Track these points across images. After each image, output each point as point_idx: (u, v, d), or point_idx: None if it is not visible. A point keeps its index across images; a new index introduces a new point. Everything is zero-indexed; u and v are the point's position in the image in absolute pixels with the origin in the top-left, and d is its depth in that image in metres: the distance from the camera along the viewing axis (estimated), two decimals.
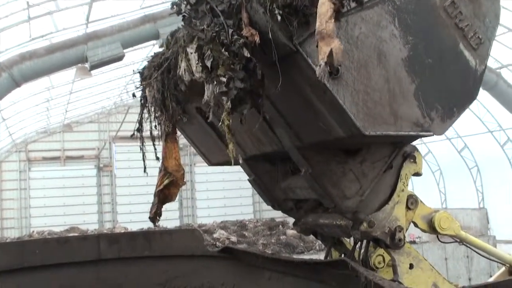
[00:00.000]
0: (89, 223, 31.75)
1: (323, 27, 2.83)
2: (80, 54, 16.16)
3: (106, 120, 36.07)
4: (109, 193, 35.40)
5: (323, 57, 2.82)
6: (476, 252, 4.94)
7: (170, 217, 30.12)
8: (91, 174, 35.23)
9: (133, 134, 4.64)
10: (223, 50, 3.25)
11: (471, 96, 3.70)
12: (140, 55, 23.98)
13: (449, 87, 3.54)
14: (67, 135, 34.93)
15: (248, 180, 4.96)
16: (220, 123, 3.26)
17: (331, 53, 2.79)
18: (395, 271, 4.10)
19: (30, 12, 17.68)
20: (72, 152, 34.68)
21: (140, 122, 4.61)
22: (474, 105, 27.13)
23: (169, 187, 4.53)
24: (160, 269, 5.36)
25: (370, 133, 3.21)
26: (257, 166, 4.80)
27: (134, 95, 4.73)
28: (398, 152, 4.09)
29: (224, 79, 3.21)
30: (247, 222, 28.73)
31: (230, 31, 3.29)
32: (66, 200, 32.90)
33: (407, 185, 4.15)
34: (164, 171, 4.49)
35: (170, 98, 4.12)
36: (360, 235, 4.07)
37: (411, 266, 4.22)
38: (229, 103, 3.23)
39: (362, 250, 4.46)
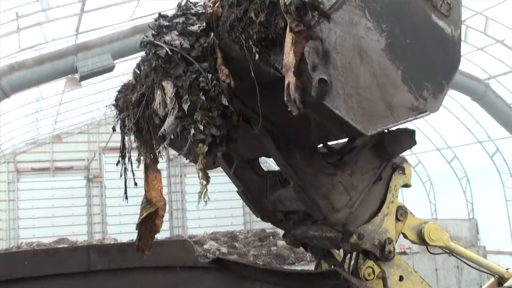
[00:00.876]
0: (79, 234, 31.57)
1: (285, 60, 2.81)
2: (70, 65, 16.11)
3: (96, 131, 35.94)
4: (99, 204, 35.23)
5: (287, 93, 2.80)
6: (466, 263, 4.95)
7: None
8: (80, 185, 35.05)
9: (118, 162, 4.52)
10: (201, 94, 3.28)
11: (455, 64, 3.58)
12: (130, 66, 23.95)
13: (432, 62, 3.46)
14: (56, 146, 34.78)
15: (237, 191, 4.95)
16: (197, 166, 3.27)
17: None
18: (385, 283, 4.10)
19: (19, 23, 17.62)
20: (62, 163, 34.54)
21: (122, 149, 4.50)
22: (463, 116, 27.34)
23: (152, 219, 4.38)
24: (151, 280, 5.33)
25: (372, 132, 3.17)
26: (245, 178, 4.80)
27: (114, 129, 4.57)
28: (387, 163, 4.11)
29: (201, 126, 3.25)
30: (237, 233, 28.69)
31: (209, 76, 3.32)
32: (55, 211, 32.71)
33: (397, 196, 4.16)
34: (146, 202, 4.34)
35: (148, 130, 4.04)
36: (349, 247, 4.06)
37: (401, 278, 4.20)
38: (205, 147, 3.26)
39: (352, 262, 4.45)
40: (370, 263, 4.40)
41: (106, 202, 35.05)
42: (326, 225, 4.07)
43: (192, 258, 5.49)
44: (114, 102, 4.50)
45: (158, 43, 3.60)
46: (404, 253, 20.97)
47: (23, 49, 18.63)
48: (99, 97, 29.71)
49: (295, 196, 4.07)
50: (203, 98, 3.26)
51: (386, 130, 4.22)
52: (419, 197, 32.01)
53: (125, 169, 4.51)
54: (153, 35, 3.75)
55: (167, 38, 3.59)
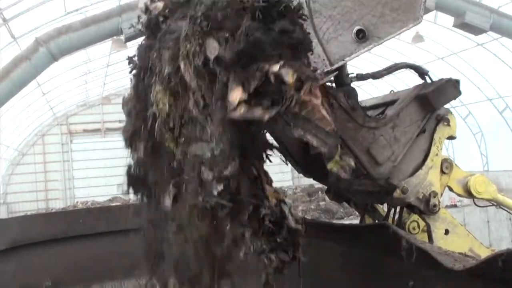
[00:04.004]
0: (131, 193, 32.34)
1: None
2: (115, 27, 16.23)
3: None
4: None
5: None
6: None
7: None
8: None
9: None
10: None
11: None
12: None
13: None
14: (106, 107, 35.42)
15: (277, 148, 4.95)
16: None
17: None
18: (430, 237, 4.08)
19: None
20: (112, 124, 35.20)
21: None
22: None
23: None
24: None
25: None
26: (285, 133, 4.80)
27: None
28: (431, 115, 4.03)
29: (273, 257, 3.01)
30: (286, 189, 28.87)
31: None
32: (108, 171, 33.53)
33: (441, 148, 4.09)
34: None
35: None
36: (393, 201, 4.05)
37: (446, 232, 4.17)
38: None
39: (396, 216, 4.44)
40: (415, 217, 4.38)
41: None
42: (369, 180, 4.05)
43: None
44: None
45: None
46: (455, 206, 20.74)
47: (69, 13, 18.88)
48: None
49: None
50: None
51: (428, 81, 4.15)
52: (469, 149, 31.40)
53: None
54: None
55: None
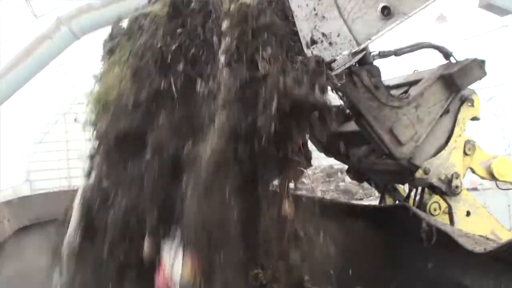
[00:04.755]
0: None
1: None
2: (136, 5, 16.22)
3: None
4: None
5: None
6: None
7: None
8: None
9: None
10: None
11: None
12: None
13: None
14: None
15: None
16: None
17: None
18: (451, 219, 4.06)
19: None
20: None
21: None
22: None
23: None
24: None
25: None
26: None
27: None
28: (455, 96, 3.98)
29: None
30: (305, 170, 28.73)
31: None
32: None
33: (465, 130, 4.05)
34: None
35: None
36: (415, 182, 4.02)
37: (468, 214, 4.15)
38: None
39: (417, 197, 4.42)
40: (436, 198, 4.35)
41: None
42: (391, 160, 4.04)
43: None
44: None
45: None
46: (476, 189, 20.54)
47: None
48: None
49: (359, 130, 4.04)
50: None
51: (454, 61, 4.10)
52: (492, 132, 31.03)
53: None
54: None
55: None
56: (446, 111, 4.00)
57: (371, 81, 3.70)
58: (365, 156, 4.51)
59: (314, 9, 3.07)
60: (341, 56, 3.04)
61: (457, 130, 4.04)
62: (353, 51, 3.06)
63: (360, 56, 3.14)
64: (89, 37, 17.13)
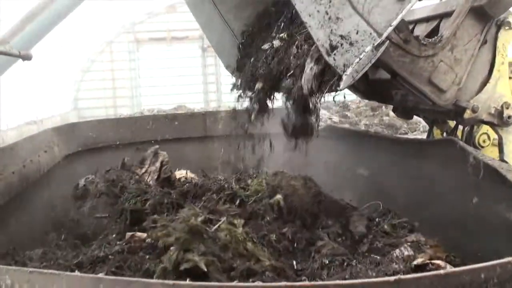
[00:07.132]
0: (196, 102, 32.87)
1: None
2: None
3: None
4: (214, 73, 36.07)
5: None
6: None
7: None
8: (196, 54, 35.86)
9: None
10: None
11: None
12: None
13: None
14: (171, 16, 35.37)
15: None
16: None
17: None
18: (501, 150, 3.95)
19: None
20: (177, 33, 35.24)
21: None
22: None
23: None
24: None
25: None
26: None
27: None
28: (490, 24, 3.77)
29: None
30: (349, 103, 28.54)
31: None
32: (173, 80, 33.96)
33: (507, 55, 3.85)
34: None
35: None
36: (465, 122, 3.90)
37: None
38: None
39: (466, 128, 4.31)
40: (485, 128, 4.24)
41: (221, 71, 35.80)
42: (437, 108, 3.90)
43: None
44: None
45: None
46: None
47: None
48: None
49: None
50: None
51: None
52: None
53: None
54: None
55: None
56: (484, 42, 3.79)
57: (400, 36, 3.53)
58: (408, 95, 4.40)
59: (327, 13, 2.92)
60: (364, 53, 2.92)
61: (498, 58, 3.82)
62: (375, 44, 2.93)
63: (383, 48, 2.99)
64: None
